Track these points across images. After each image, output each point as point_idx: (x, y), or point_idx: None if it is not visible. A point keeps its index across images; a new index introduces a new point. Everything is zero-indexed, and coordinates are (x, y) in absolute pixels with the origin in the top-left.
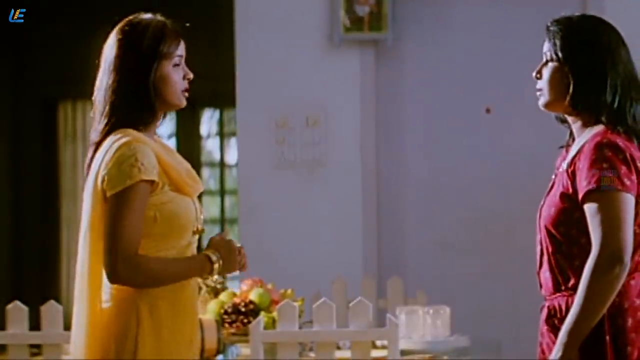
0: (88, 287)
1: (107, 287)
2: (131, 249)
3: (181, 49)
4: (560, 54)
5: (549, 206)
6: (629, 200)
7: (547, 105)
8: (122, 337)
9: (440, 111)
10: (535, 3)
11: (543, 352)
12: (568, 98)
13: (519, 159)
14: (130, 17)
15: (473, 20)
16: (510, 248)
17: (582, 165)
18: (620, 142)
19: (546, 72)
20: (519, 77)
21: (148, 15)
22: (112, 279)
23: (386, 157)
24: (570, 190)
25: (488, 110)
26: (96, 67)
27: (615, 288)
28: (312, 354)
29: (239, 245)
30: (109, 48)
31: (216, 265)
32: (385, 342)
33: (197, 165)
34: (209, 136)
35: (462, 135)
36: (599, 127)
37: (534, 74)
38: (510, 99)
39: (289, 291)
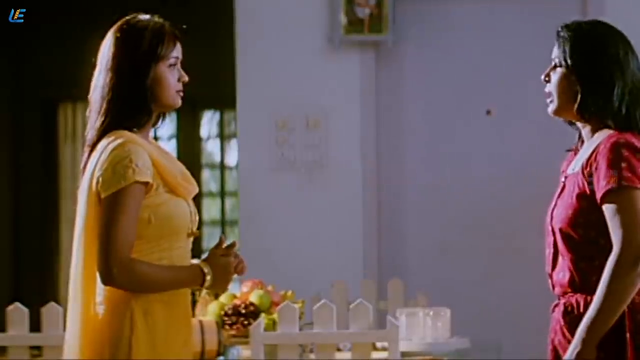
0: (82, 289)
1: (100, 289)
2: (125, 251)
3: (177, 51)
4: (569, 61)
5: (565, 208)
6: None
7: (557, 111)
8: (116, 340)
9: (440, 113)
10: (535, 5)
11: (555, 349)
12: (576, 105)
13: (519, 160)
14: (128, 17)
15: (473, 22)
16: (511, 250)
17: (600, 166)
18: (636, 141)
19: (554, 77)
20: (520, 79)
21: (146, 16)
22: (105, 280)
23: (386, 159)
24: (588, 191)
25: (489, 112)
26: (92, 66)
27: (637, 286)
28: (312, 356)
29: (237, 251)
30: (106, 47)
31: (208, 277)
32: (385, 344)
33: (197, 167)
34: (209, 138)
35: (463, 137)
36: (610, 131)
37: (542, 77)
38: (511, 100)
39: (290, 293)
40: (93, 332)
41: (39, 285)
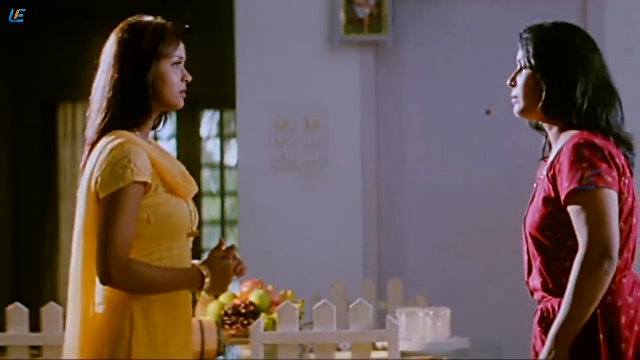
0: (82, 289)
1: (100, 290)
2: (124, 252)
3: (180, 51)
4: (532, 62)
5: (533, 213)
6: (612, 196)
7: (522, 113)
8: (115, 340)
9: (440, 113)
10: (535, 5)
11: (537, 354)
12: (540, 104)
13: (519, 160)
14: (130, 19)
15: (473, 22)
16: (510, 250)
17: (562, 168)
18: (598, 141)
19: (520, 80)
20: None
21: (148, 18)
22: (104, 281)
23: (386, 159)
24: (553, 194)
25: (488, 112)
26: (95, 67)
27: (605, 285)
28: (312, 356)
29: (237, 254)
30: (109, 47)
31: (207, 280)
32: (385, 344)
33: (197, 167)
34: (209, 138)
35: (463, 137)
36: (574, 132)
37: (508, 81)
38: (511, 101)
39: (290, 293)
40: (93, 332)
41: (39, 285)
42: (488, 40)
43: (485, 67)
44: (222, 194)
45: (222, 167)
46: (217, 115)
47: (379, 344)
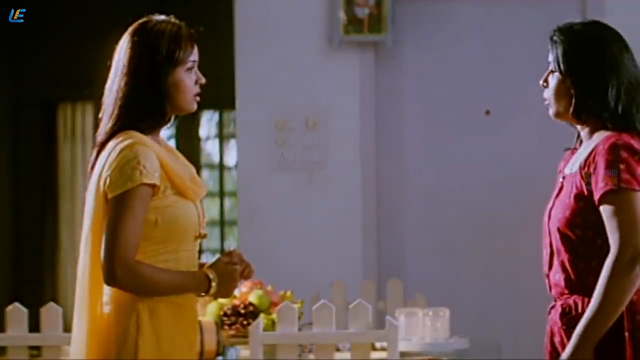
0: (89, 289)
1: (107, 289)
2: (130, 253)
3: (195, 55)
4: (562, 66)
5: (563, 209)
6: None
7: (557, 116)
8: (122, 341)
9: (439, 113)
10: (535, 5)
11: (553, 350)
12: (571, 109)
13: (518, 161)
14: (144, 20)
15: (473, 23)
16: (510, 250)
17: (598, 167)
18: (635, 143)
19: (552, 82)
20: (519, 79)
21: (161, 18)
22: (109, 282)
23: (386, 159)
24: (585, 192)
25: (488, 113)
26: (107, 69)
27: (635, 287)
28: (311, 356)
29: (244, 257)
30: (122, 51)
31: (213, 284)
32: (384, 344)
33: (196, 167)
34: (208, 138)
35: (462, 138)
36: (608, 132)
37: (540, 82)
38: (510, 101)
39: (289, 293)
40: (100, 331)
41: (39, 285)
42: (487, 40)
43: (485, 67)
44: (221, 194)
45: (222, 167)
46: (217, 115)
47: (378, 344)
